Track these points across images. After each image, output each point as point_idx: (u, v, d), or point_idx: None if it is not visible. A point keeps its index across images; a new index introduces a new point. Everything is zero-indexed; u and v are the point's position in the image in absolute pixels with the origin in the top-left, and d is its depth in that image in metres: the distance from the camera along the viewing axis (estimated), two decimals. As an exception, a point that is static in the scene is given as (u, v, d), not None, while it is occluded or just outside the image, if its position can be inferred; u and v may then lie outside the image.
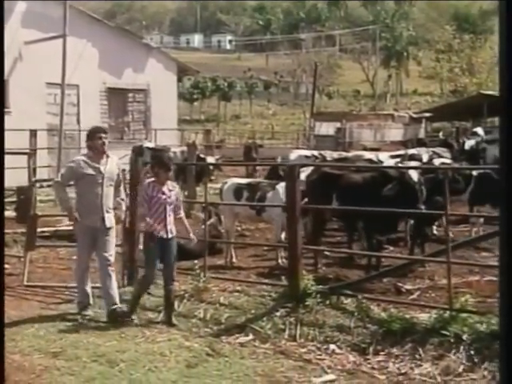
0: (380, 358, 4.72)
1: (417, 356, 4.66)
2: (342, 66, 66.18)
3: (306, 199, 7.18)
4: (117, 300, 5.53)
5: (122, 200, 5.79)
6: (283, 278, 5.81)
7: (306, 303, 5.41)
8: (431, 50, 47.83)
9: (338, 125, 17.01)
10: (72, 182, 5.71)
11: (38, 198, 12.20)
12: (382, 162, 9.71)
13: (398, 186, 6.10)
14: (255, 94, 54.61)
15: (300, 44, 66.58)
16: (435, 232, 9.32)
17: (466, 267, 7.22)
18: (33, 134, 11.79)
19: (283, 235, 7.75)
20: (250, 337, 5.22)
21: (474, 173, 8.83)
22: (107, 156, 5.59)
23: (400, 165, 8.36)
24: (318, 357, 4.82)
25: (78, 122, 14.67)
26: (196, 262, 6.44)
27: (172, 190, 5.55)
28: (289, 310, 5.44)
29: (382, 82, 62.67)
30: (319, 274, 7.04)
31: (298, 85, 58.27)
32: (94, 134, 5.59)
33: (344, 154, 10.68)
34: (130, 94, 15.91)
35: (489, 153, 10.90)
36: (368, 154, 10.08)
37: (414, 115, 19.59)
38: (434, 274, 7.16)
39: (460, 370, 4.39)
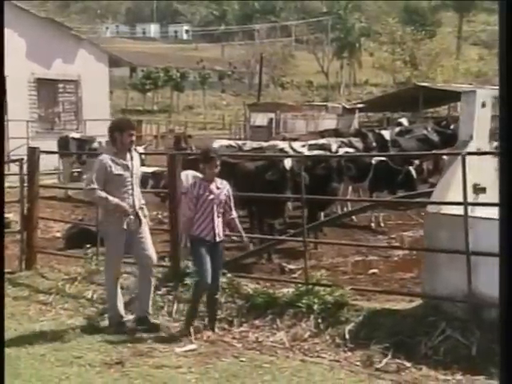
0: (242, 328, 5.19)
1: (274, 326, 5.15)
2: (297, 57, 66.90)
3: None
4: (149, 308, 5.22)
5: (144, 205, 5.26)
6: (166, 259, 6.21)
7: (185, 282, 5.83)
8: (376, 41, 48.97)
9: (272, 115, 17.50)
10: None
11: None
12: (297, 152, 10.18)
13: (276, 173, 6.57)
14: (209, 84, 54.70)
15: (255, 35, 66.93)
16: (353, 217, 9.87)
17: (354, 248, 7.81)
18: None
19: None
20: (133, 314, 5.61)
21: (373, 161, 9.43)
22: (131, 151, 5.13)
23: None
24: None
25: (6, 112, 14.69)
26: (88, 246, 6.74)
27: (221, 187, 5.01)
28: (169, 289, 5.85)
29: (335, 73, 63.67)
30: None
31: (253, 75, 58.58)
32: (124, 129, 5.04)
33: (262, 143, 11.13)
34: (61, 85, 16.02)
35: (400, 143, 11.56)
36: (281, 144, 10.55)
37: (348, 106, 20.27)
38: (323, 255, 7.73)
39: (306, 336, 4.91)
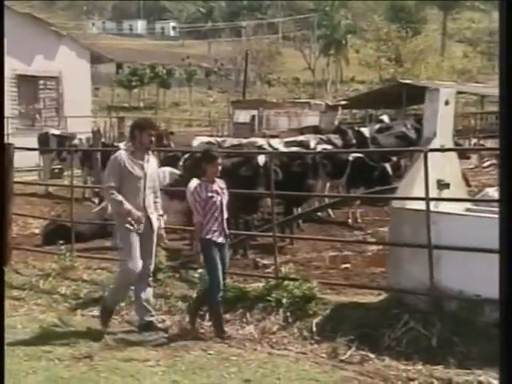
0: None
1: (244, 320, 5.24)
2: (284, 54, 66.93)
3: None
4: (152, 312, 5.09)
5: (161, 216, 5.14)
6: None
7: (158, 277, 5.90)
8: (362, 39, 49.23)
9: (255, 112, 17.58)
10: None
11: None
12: (275, 149, 10.27)
13: (250, 169, 6.64)
14: (196, 81, 54.64)
15: (242, 32, 66.93)
16: (331, 213, 10.03)
17: (329, 243, 7.92)
18: None
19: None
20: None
21: (350, 158, 9.54)
22: (148, 153, 5.02)
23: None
24: (159, 324, 5.32)
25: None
26: (62, 242, 6.78)
27: (223, 187, 4.94)
28: (143, 284, 5.91)
29: (322, 70, 63.83)
30: (192, 253, 7.59)
31: (239, 72, 58.52)
32: (144, 128, 4.93)
33: (241, 140, 11.19)
34: (41, 81, 15.95)
35: (379, 140, 11.71)
36: (260, 141, 10.62)
37: (331, 103, 20.41)
38: (299, 250, 7.83)
39: (274, 329, 5.00)
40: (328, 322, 4.92)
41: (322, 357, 4.56)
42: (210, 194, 4.79)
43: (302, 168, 7.76)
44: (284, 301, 5.19)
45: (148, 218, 4.94)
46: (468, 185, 12.47)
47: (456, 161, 5.34)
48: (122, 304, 5.66)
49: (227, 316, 5.31)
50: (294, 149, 9.59)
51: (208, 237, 4.82)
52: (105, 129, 20.54)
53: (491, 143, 18.42)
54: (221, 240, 4.86)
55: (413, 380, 4.03)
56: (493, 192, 8.07)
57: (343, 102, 21.88)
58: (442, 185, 5.01)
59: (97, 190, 10.42)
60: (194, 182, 4.96)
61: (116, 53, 55.51)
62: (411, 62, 35.91)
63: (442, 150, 4.90)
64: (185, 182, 7.66)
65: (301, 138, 10.72)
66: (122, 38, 79.58)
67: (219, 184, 4.93)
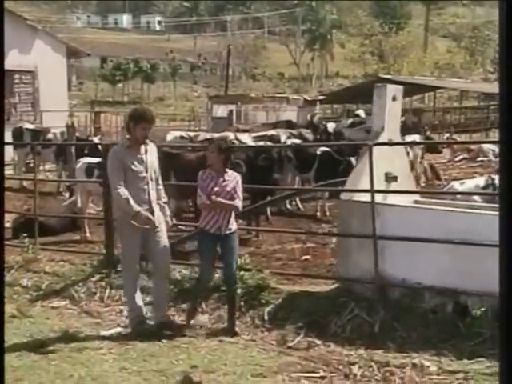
0: (170, 312, 5.39)
1: (199, 309, 5.37)
2: (269, 49, 66.96)
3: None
4: (166, 311, 5.05)
5: (166, 204, 4.99)
6: (102, 247, 6.37)
7: (118, 269, 6.01)
8: (346, 34, 49.43)
9: (233, 107, 17.69)
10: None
11: None
12: (242, 143, 10.40)
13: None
14: (181, 76, 54.48)
15: (227, 26, 66.86)
16: (300, 207, 10.20)
17: (294, 236, 8.07)
18: None
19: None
20: (65, 300, 5.79)
21: (318, 152, 9.69)
22: (146, 143, 4.80)
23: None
24: (118, 315, 5.45)
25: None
26: (25, 234, 6.85)
27: (228, 180, 4.77)
28: (103, 276, 6.03)
29: (307, 65, 63.99)
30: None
31: (224, 67, 58.50)
32: (137, 121, 4.68)
33: (214, 134, 11.30)
34: (17, 76, 15.84)
35: (347, 135, 11.89)
36: (232, 135, 10.74)
37: (309, 98, 20.57)
38: (264, 242, 7.97)
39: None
40: (279, 311, 5.07)
41: (271, 344, 4.71)
42: (207, 183, 4.72)
43: (268, 162, 7.89)
44: (238, 291, 5.32)
45: (153, 213, 4.77)
46: (439, 178, 12.78)
47: (404, 155, 5.50)
48: (82, 295, 5.80)
49: (184, 306, 5.44)
50: (262, 143, 9.71)
51: (202, 225, 4.79)
52: (85, 123, 20.51)
53: (464, 137, 18.69)
54: (213, 231, 4.73)
55: (353, 364, 4.19)
56: (458, 185, 8.29)
57: (321, 97, 22.06)
58: (390, 178, 5.16)
59: (68, 183, 10.48)
60: (204, 170, 4.85)
61: (100, 47, 55.11)
62: (394, 57, 36.20)
63: (388, 143, 5.06)
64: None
65: (271, 132, 10.86)
66: (106, 32, 79.03)
67: (225, 177, 4.77)
